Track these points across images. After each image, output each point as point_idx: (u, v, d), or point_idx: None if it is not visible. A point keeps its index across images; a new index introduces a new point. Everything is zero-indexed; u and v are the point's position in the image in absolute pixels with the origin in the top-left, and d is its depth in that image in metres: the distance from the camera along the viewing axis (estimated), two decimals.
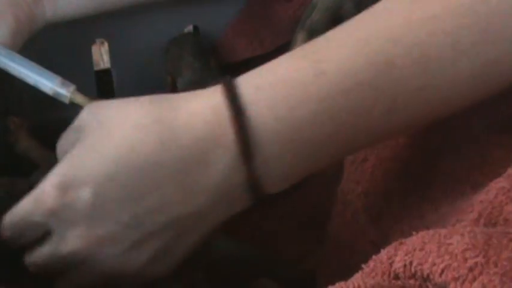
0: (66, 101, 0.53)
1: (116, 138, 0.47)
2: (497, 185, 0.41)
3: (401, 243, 0.38)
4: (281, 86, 0.45)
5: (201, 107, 0.47)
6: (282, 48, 0.67)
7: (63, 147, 0.51)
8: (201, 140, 0.46)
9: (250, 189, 0.47)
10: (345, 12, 0.62)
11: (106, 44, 0.76)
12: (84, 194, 0.46)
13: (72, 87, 0.53)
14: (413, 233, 0.38)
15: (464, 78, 0.44)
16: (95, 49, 0.80)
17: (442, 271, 0.34)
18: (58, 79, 0.54)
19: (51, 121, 0.79)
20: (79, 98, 0.53)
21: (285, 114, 0.45)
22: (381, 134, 0.47)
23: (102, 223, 0.47)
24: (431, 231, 0.37)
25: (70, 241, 0.48)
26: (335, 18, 0.62)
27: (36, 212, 0.48)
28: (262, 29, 0.69)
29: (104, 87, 0.79)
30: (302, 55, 0.46)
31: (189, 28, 0.76)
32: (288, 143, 0.46)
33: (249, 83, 0.46)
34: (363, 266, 0.39)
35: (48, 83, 0.54)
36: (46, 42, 0.63)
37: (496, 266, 0.32)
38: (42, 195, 0.48)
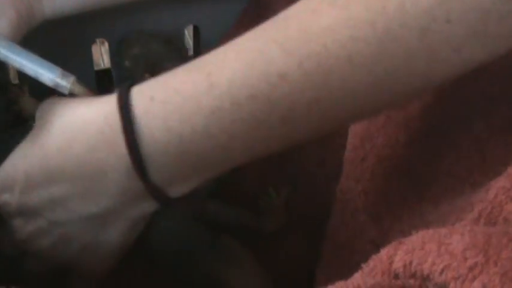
0: (66, 91, 0.53)
1: (34, 141, 0.50)
2: (497, 184, 0.41)
3: (401, 243, 0.38)
4: (174, 98, 0.45)
5: (95, 115, 0.47)
6: None
7: None
8: (95, 150, 0.47)
9: (151, 194, 0.48)
10: None
11: (106, 44, 0.76)
12: (13, 191, 0.50)
13: (72, 78, 0.53)
14: (413, 232, 0.38)
15: (362, 90, 0.42)
16: (95, 49, 0.80)
17: (442, 270, 0.34)
18: (59, 70, 0.54)
19: None
20: (78, 89, 0.53)
21: (177, 126, 0.45)
22: (280, 142, 0.46)
23: (32, 217, 0.51)
24: (431, 231, 0.37)
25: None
26: None
27: None
28: None
29: (104, 87, 0.79)
30: (197, 67, 0.46)
31: (189, 28, 0.76)
32: (180, 154, 0.46)
33: (144, 94, 0.46)
34: (363, 265, 0.39)
35: (48, 74, 0.54)
36: (46, 42, 0.63)
37: (496, 265, 0.32)
38: None
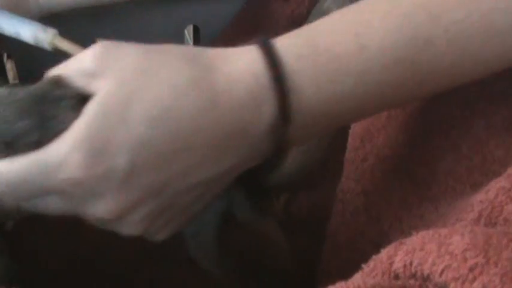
0: (47, 45, 0.50)
1: (148, 101, 0.43)
2: (498, 184, 0.41)
3: (401, 243, 0.38)
4: (323, 58, 0.45)
5: (240, 73, 0.45)
6: None
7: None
8: (242, 108, 0.44)
9: (276, 146, 0.47)
10: None
11: None
12: (119, 164, 0.42)
13: (54, 31, 0.50)
14: (413, 232, 0.38)
15: (493, 57, 0.45)
16: None
17: (442, 271, 0.34)
18: (38, 24, 0.50)
19: None
20: (62, 44, 0.49)
21: (325, 86, 0.45)
22: (405, 101, 0.49)
23: (131, 193, 0.44)
24: (431, 231, 0.37)
25: (91, 211, 0.45)
26: None
27: (55, 181, 0.43)
28: (261, 27, 0.69)
29: None
30: (342, 27, 0.46)
31: (189, 28, 0.76)
32: (324, 114, 0.46)
33: (292, 52, 0.45)
34: (363, 265, 0.39)
35: (27, 29, 0.51)
36: None
37: (496, 266, 0.33)
38: (67, 164, 0.42)
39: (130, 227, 0.46)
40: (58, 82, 0.44)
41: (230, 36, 0.70)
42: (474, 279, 0.33)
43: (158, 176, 0.44)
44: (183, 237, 0.60)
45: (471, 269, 0.33)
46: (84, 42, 0.74)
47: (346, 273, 0.39)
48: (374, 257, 0.39)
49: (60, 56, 0.59)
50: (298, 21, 0.71)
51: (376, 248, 0.40)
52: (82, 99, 0.44)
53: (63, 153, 0.42)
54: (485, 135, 0.49)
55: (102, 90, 0.43)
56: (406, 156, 0.53)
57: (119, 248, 0.62)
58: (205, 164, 0.45)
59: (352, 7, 0.46)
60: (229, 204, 0.54)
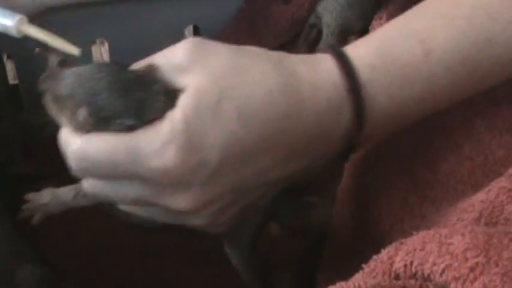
0: (15, 33, 0.47)
1: (243, 98, 0.44)
2: (499, 184, 0.41)
3: (401, 243, 0.38)
4: (393, 67, 0.47)
5: (322, 82, 0.47)
6: (281, 48, 0.67)
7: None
8: (322, 115, 0.46)
9: (347, 149, 0.49)
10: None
11: (106, 44, 0.76)
12: (210, 159, 0.43)
13: (20, 17, 0.47)
14: (414, 232, 0.38)
15: None
16: (95, 49, 0.80)
17: (443, 271, 0.34)
18: (4, 11, 0.48)
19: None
20: (30, 30, 0.47)
21: (397, 93, 0.47)
22: (467, 97, 0.49)
23: (215, 188, 0.45)
24: (431, 231, 0.37)
25: (174, 201, 0.45)
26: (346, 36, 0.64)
27: (144, 167, 0.43)
28: (261, 28, 0.69)
29: None
30: (407, 34, 0.47)
31: (189, 28, 0.76)
32: (392, 119, 0.48)
33: (365, 61, 0.47)
34: (364, 265, 0.39)
35: (9, 22, 0.48)
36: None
37: (497, 265, 0.32)
38: (162, 153, 0.43)
39: (201, 220, 0.47)
40: (153, 72, 0.45)
41: (229, 37, 0.70)
42: (475, 279, 0.32)
43: (240, 174, 0.45)
44: (187, 237, 0.61)
45: (472, 269, 0.33)
46: (84, 41, 0.74)
47: (346, 273, 0.39)
48: (374, 257, 0.39)
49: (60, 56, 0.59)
50: (298, 23, 0.71)
51: (377, 248, 0.40)
52: (170, 92, 0.44)
53: (160, 143, 0.43)
54: (487, 136, 0.49)
55: (195, 85, 0.44)
56: (407, 157, 0.53)
57: (121, 248, 0.62)
58: (283, 165, 0.47)
59: (415, 13, 0.49)
60: (270, 206, 0.54)
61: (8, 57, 0.69)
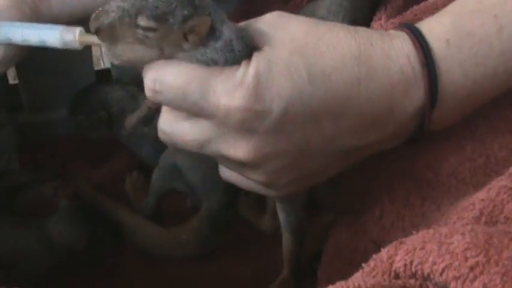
0: (77, 45, 0.49)
1: (313, 58, 0.45)
2: (499, 183, 0.41)
3: (401, 243, 0.38)
4: (468, 42, 0.47)
5: (396, 53, 0.47)
6: None
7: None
8: (394, 87, 0.46)
9: (421, 129, 0.48)
10: None
11: None
12: (274, 108, 0.44)
13: (78, 30, 0.50)
14: (414, 231, 0.38)
15: None
16: (95, 49, 0.80)
17: (443, 270, 0.34)
18: (60, 27, 0.50)
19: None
20: (90, 38, 0.49)
21: (472, 69, 0.47)
22: None
23: (277, 140, 0.46)
24: (431, 231, 0.37)
25: (236, 148, 0.46)
26: None
27: (212, 102, 0.44)
28: None
29: None
30: (480, 9, 0.47)
31: None
32: (467, 96, 0.47)
33: (439, 37, 0.47)
34: (363, 265, 0.39)
35: (51, 35, 0.50)
36: None
37: (497, 265, 0.32)
38: (229, 92, 0.44)
39: (261, 176, 0.48)
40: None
41: None
42: (475, 278, 0.32)
43: (304, 133, 0.46)
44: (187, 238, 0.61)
45: (472, 268, 0.33)
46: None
47: (346, 273, 0.39)
48: (374, 256, 0.39)
49: (58, 55, 0.59)
50: None
51: (377, 248, 0.40)
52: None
53: (231, 83, 0.44)
54: (489, 137, 0.50)
55: (271, 41, 0.46)
56: (409, 156, 0.53)
57: (121, 247, 0.62)
58: (348, 135, 0.47)
59: None
60: None
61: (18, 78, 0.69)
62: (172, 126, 0.47)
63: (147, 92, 0.46)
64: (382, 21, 0.59)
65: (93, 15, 0.45)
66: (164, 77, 0.45)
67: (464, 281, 0.33)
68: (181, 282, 0.61)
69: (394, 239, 0.44)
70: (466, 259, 0.33)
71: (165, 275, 0.62)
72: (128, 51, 0.45)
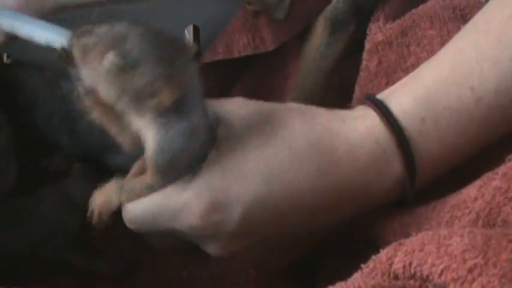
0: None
1: (268, 158, 0.45)
2: (493, 183, 0.41)
3: (400, 244, 0.38)
4: (446, 115, 0.46)
5: (361, 138, 0.46)
6: (282, 47, 0.67)
7: None
8: (363, 171, 0.46)
9: (400, 198, 0.48)
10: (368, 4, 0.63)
11: None
12: (233, 215, 0.45)
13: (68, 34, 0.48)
14: (404, 230, 0.38)
15: None
16: None
17: (442, 272, 0.34)
18: (69, 33, 0.48)
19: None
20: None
21: (449, 141, 0.47)
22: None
23: (246, 238, 0.47)
24: (430, 232, 0.37)
25: (207, 248, 0.48)
26: (357, 9, 0.63)
27: (175, 223, 0.46)
28: (263, 27, 0.68)
29: None
30: (454, 81, 0.47)
31: (189, 28, 0.76)
32: (446, 163, 0.48)
33: (413, 115, 0.46)
34: (363, 266, 0.39)
35: (59, 38, 0.50)
36: None
37: (495, 267, 0.33)
38: (187, 212, 0.45)
39: (242, 262, 0.52)
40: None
41: (228, 34, 0.70)
42: (473, 280, 0.33)
43: (274, 227, 0.46)
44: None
45: (470, 270, 0.33)
46: None
47: (346, 274, 0.39)
48: (373, 257, 0.39)
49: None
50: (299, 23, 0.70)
51: (376, 249, 0.40)
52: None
53: (186, 200, 0.45)
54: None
55: (221, 143, 0.46)
56: None
57: (119, 248, 0.62)
58: (321, 215, 0.47)
59: (459, 57, 0.48)
60: None
61: (8, 57, 0.69)
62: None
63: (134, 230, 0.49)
64: (380, 23, 0.59)
65: (83, 28, 0.45)
66: (134, 216, 0.47)
67: (462, 283, 0.33)
68: (181, 282, 0.61)
69: (386, 240, 0.44)
70: (465, 261, 0.33)
71: (165, 275, 0.62)
72: (91, 78, 0.45)
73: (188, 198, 0.45)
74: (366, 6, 0.63)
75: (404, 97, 0.47)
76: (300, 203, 0.46)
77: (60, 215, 0.61)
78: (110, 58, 0.43)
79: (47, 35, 0.51)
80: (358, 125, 0.47)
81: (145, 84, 0.43)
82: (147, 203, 0.47)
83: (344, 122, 0.47)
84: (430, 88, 0.47)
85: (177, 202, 0.45)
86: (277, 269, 0.57)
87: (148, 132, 0.45)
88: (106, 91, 0.44)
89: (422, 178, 0.47)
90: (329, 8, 0.63)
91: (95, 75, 0.44)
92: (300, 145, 0.46)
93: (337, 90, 0.62)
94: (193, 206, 0.45)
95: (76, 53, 0.45)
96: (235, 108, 0.47)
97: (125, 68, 0.43)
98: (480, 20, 0.49)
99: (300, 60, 0.63)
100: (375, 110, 0.47)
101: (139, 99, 0.44)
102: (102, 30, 0.44)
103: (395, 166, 0.46)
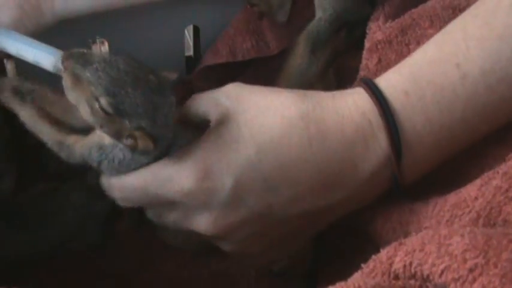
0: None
1: (260, 128, 0.47)
2: (493, 182, 0.41)
3: (401, 244, 0.38)
4: (430, 90, 0.47)
5: (349, 111, 0.47)
6: (284, 52, 0.67)
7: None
8: (350, 143, 0.47)
9: (391, 182, 0.48)
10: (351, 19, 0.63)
11: (106, 44, 0.75)
12: (225, 183, 0.46)
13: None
14: (402, 229, 0.38)
15: None
16: (95, 48, 0.79)
17: (442, 272, 0.34)
18: (59, 53, 0.50)
19: None
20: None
21: (435, 116, 0.47)
22: (508, 115, 0.48)
23: (236, 211, 0.47)
24: (430, 232, 0.37)
25: (199, 223, 0.48)
26: (342, 24, 0.63)
27: (168, 190, 0.47)
28: (267, 30, 0.69)
29: None
30: (441, 58, 0.47)
31: (189, 28, 0.76)
32: (436, 142, 0.47)
33: (396, 89, 0.47)
34: (363, 265, 0.39)
35: (48, 58, 0.51)
36: (47, 43, 0.63)
37: (496, 267, 0.33)
38: (180, 176, 0.47)
39: (231, 245, 0.51)
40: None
41: (230, 37, 0.70)
42: (474, 280, 0.33)
43: (264, 200, 0.47)
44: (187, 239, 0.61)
45: (471, 270, 0.33)
46: (84, 41, 0.74)
47: (346, 273, 0.39)
48: (374, 257, 0.39)
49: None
50: (301, 26, 0.70)
51: (376, 248, 0.40)
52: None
53: (180, 167, 0.47)
54: None
55: (217, 118, 0.48)
56: None
57: (123, 248, 0.62)
58: (311, 196, 0.48)
59: (444, 37, 0.48)
60: None
61: (8, 57, 0.69)
62: (149, 215, 0.52)
63: (119, 203, 0.50)
64: (380, 22, 0.59)
65: (75, 51, 0.47)
66: (124, 185, 0.49)
67: (463, 283, 0.33)
68: (181, 282, 0.61)
69: (386, 240, 0.44)
70: (465, 261, 0.33)
71: (165, 275, 0.62)
72: (76, 100, 0.47)
73: (181, 166, 0.47)
74: (350, 19, 0.63)
75: (390, 73, 0.49)
76: (290, 176, 0.47)
77: (90, 207, 0.61)
78: (103, 103, 0.45)
79: (36, 54, 0.52)
80: (347, 99, 0.48)
81: (126, 131, 0.46)
82: (138, 172, 0.48)
83: (334, 97, 0.48)
84: (414, 64, 0.48)
85: (170, 169, 0.47)
86: (277, 269, 0.57)
87: (112, 146, 0.49)
88: (87, 116, 0.47)
89: (411, 156, 0.47)
90: (310, 27, 0.64)
91: (81, 101, 0.47)
92: (292, 114, 0.47)
93: (336, 89, 0.62)
94: (185, 172, 0.46)
95: (66, 78, 0.47)
96: (230, 87, 0.49)
97: (113, 115, 0.46)
98: (470, 8, 0.49)
99: (279, 77, 0.63)
100: (362, 86, 0.48)
101: (117, 135, 0.47)
102: (97, 64, 0.46)
103: (381, 140, 0.47)
